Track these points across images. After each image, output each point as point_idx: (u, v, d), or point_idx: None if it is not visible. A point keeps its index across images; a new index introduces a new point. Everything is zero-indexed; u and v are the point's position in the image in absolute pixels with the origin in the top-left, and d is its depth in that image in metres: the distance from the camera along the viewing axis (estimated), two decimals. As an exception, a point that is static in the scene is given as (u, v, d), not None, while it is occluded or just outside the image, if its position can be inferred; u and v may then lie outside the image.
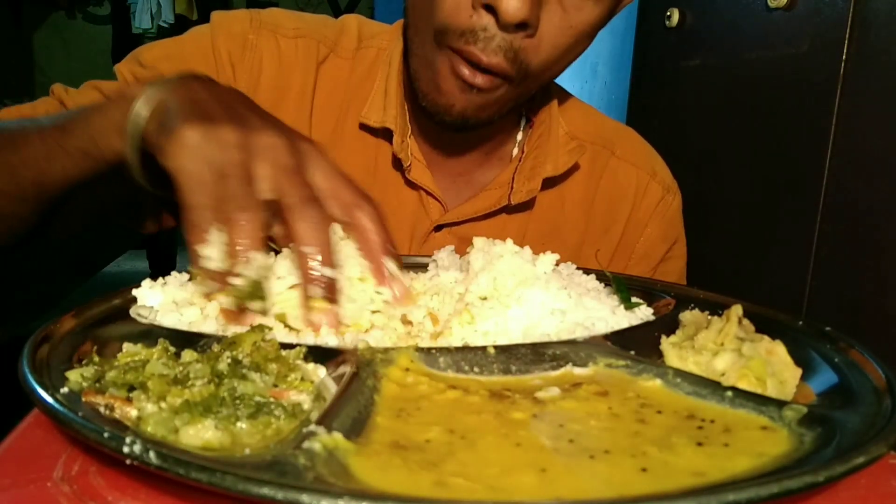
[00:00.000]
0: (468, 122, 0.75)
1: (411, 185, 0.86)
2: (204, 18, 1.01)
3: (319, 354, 0.48)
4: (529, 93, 0.80)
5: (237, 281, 0.52)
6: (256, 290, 0.52)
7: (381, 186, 0.86)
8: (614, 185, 0.92)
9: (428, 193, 0.86)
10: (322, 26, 0.88)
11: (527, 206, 0.88)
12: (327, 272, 0.53)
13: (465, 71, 0.70)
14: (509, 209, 0.87)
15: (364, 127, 0.85)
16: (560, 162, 0.86)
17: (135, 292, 0.57)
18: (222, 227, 0.52)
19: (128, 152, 0.60)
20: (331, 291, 0.53)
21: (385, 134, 0.84)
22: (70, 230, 0.79)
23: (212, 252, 0.52)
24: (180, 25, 3.92)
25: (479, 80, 0.71)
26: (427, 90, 0.76)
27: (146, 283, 0.58)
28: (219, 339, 0.48)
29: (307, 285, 0.53)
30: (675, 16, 1.91)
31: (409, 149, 0.83)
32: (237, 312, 0.53)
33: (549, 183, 0.87)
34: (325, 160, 0.58)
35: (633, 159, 0.94)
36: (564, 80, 0.91)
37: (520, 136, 0.90)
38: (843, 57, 1.42)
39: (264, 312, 0.53)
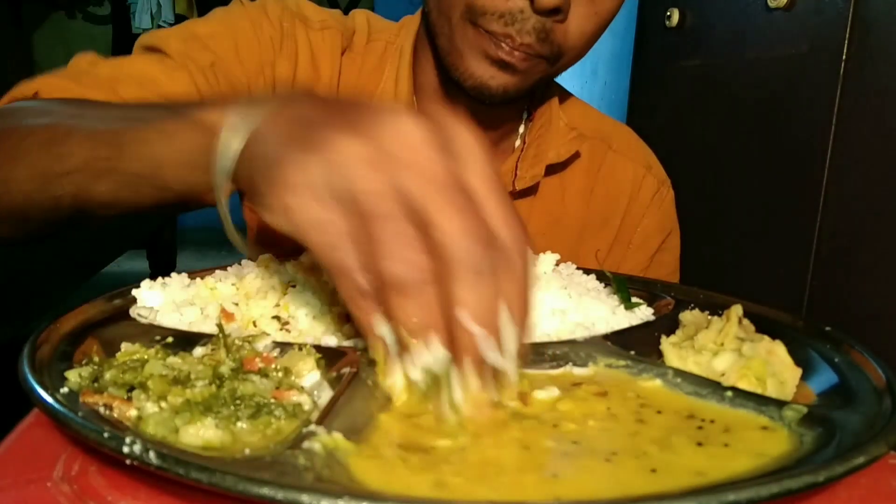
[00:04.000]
0: (508, 95, 0.78)
1: None
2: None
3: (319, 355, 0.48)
4: (555, 76, 0.85)
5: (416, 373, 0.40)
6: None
7: None
8: (612, 177, 0.96)
9: None
10: (340, 19, 0.90)
11: (530, 192, 0.91)
12: (496, 360, 0.39)
13: (505, 47, 0.73)
14: (514, 196, 0.90)
15: None
16: (562, 150, 0.90)
17: (135, 292, 0.57)
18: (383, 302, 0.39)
19: (219, 202, 0.46)
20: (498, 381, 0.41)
21: None
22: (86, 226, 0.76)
23: (384, 330, 0.40)
24: (180, 25, 3.92)
25: (517, 56, 0.74)
26: (459, 64, 0.78)
27: (146, 283, 0.58)
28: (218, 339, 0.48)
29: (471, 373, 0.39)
30: (675, 16, 1.91)
31: None
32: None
33: (551, 170, 0.90)
34: (477, 151, 0.40)
35: (630, 154, 0.97)
36: (565, 80, 0.93)
37: (522, 129, 0.94)
38: (843, 57, 1.42)
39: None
